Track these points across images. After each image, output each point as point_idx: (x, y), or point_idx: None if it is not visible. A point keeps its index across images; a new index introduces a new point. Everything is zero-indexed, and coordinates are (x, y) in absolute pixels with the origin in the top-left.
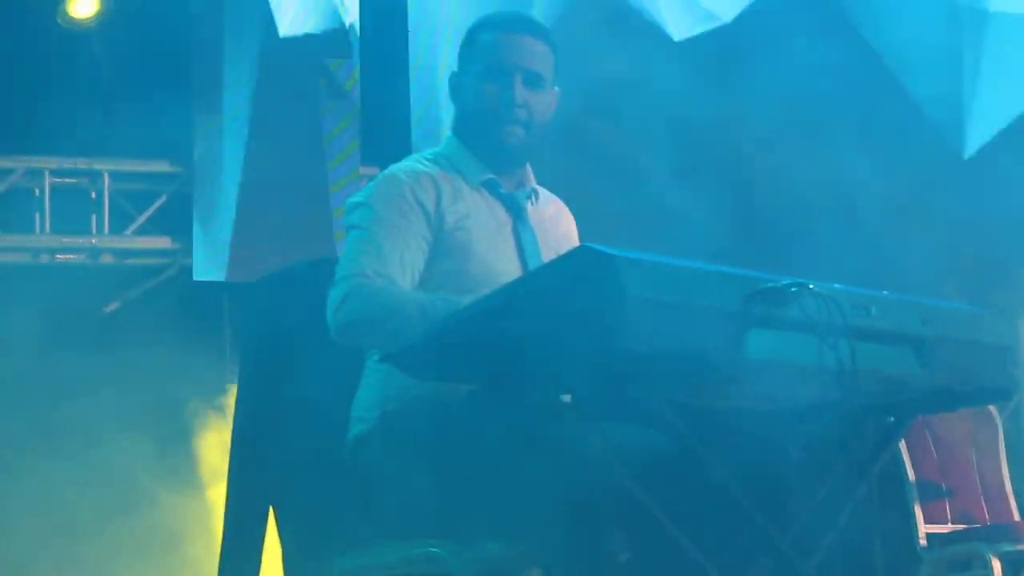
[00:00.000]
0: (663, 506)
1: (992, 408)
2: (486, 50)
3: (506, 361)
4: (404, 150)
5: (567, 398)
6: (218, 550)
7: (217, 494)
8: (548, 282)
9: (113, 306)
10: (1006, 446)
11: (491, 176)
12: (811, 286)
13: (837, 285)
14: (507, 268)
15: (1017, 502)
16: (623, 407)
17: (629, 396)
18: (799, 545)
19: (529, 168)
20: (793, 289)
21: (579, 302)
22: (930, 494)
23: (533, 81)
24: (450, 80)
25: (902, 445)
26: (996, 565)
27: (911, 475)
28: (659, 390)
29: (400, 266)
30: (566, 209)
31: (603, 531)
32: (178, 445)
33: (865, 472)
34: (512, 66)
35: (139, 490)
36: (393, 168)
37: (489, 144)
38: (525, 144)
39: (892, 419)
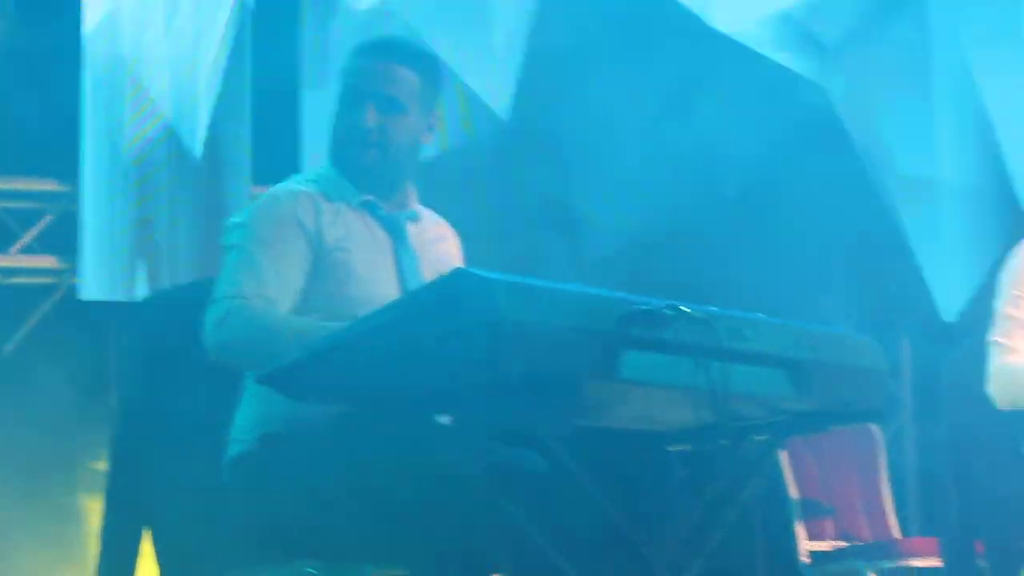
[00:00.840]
0: (540, 528)
1: (874, 427)
2: (346, 75)
3: (383, 383)
4: (294, 170)
5: (447, 420)
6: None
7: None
8: (425, 304)
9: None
10: (888, 465)
11: (370, 198)
12: (686, 309)
13: (713, 308)
14: (386, 290)
15: (898, 520)
16: (502, 429)
17: (507, 418)
18: (674, 566)
19: (411, 189)
20: (668, 312)
21: (456, 325)
22: (813, 512)
23: (388, 106)
24: None
25: (786, 464)
26: None
27: (794, 493)
28: (537, 412)
29: (279, 287)
30: (451, 232)
31: (480, 554)
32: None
33: (739, 492)
34: (364, 91)
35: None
36: (274, 188)
37: (350, 167)
38: (383, 167)
39: (766, 440)
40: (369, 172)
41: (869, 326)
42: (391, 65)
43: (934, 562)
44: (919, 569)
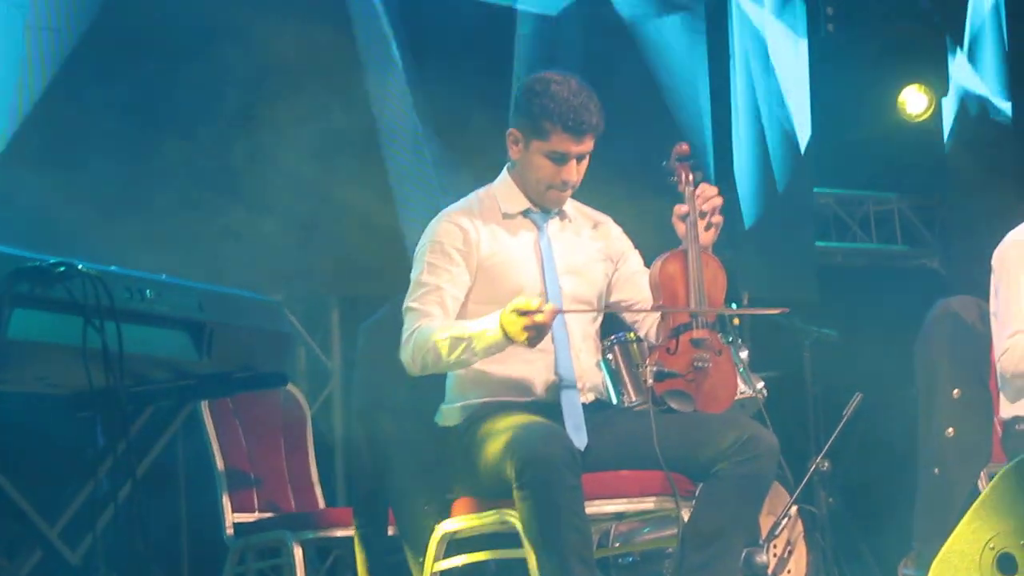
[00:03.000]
0: None
1: (301, 398)
2: None
3: None
4: None
5: None
6: None
7: None
8: None
9: None
10: (317, 435)
11: None
12: (80, 267)
13: (113, 268)
14: None
15: (323, 491)
16: None
17: None
18: (68, 535)
19: None
20: (60, 269)
21: None
22: (239, 483)
23: None
24: None
25: (211, 433)
26: (298, 552)
27: (220, 464)
28: None
29: None
30: None
31: None
32: None
33: (141, 458)
34: None
35: None
36: None
37: None
38: None
39: (169, 404)
40: None
41: (303, 294)
42: None
43: (352, 532)
44: (340, 539)
